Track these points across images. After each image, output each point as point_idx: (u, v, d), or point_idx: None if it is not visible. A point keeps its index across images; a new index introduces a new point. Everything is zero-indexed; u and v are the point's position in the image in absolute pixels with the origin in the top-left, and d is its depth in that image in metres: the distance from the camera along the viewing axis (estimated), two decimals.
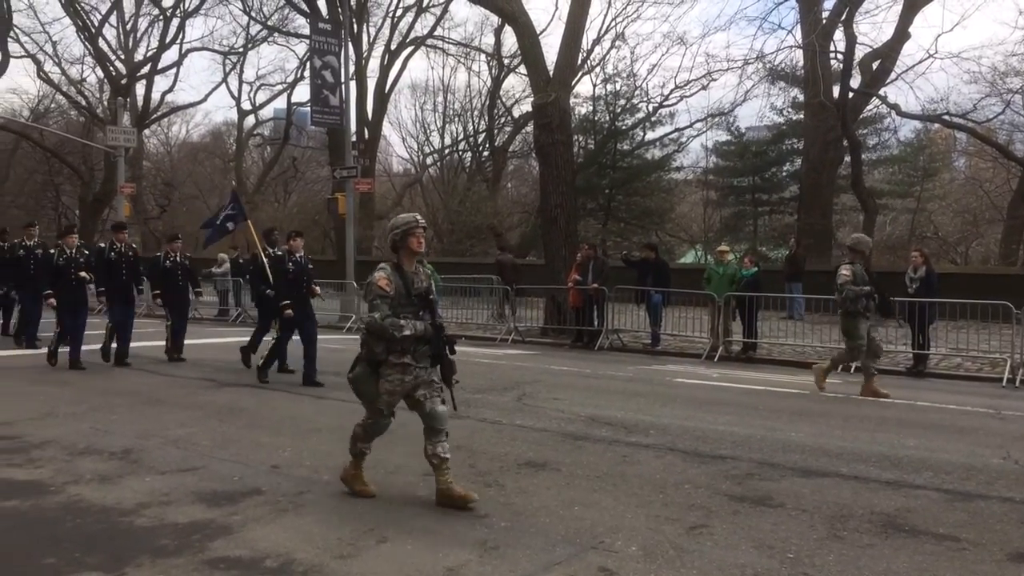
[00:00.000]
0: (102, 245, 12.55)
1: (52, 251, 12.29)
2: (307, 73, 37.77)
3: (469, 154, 43.36)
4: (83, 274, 12.05)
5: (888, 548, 4.77)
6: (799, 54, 26.21)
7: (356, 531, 4.98)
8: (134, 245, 12.92)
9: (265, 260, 11.85)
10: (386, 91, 38.97)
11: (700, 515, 5.34)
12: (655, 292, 15.49)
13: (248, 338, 12.39)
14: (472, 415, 8.64)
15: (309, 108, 33.67)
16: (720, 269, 15.16)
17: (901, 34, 21.75)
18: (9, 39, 35.77)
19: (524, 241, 35.36)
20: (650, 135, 34.38)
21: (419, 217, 5.51)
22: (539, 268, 20.61)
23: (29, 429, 7.77)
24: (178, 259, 13.01)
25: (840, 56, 21.87)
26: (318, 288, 11.50)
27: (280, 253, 11.49)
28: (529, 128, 35.29)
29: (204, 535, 4.93)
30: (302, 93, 42.84)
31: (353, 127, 25.46)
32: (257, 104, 46.38)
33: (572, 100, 24.58)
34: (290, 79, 43.59)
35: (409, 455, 6.87)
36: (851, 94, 21.48)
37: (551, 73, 18.67)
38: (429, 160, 45.30)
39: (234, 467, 6.45)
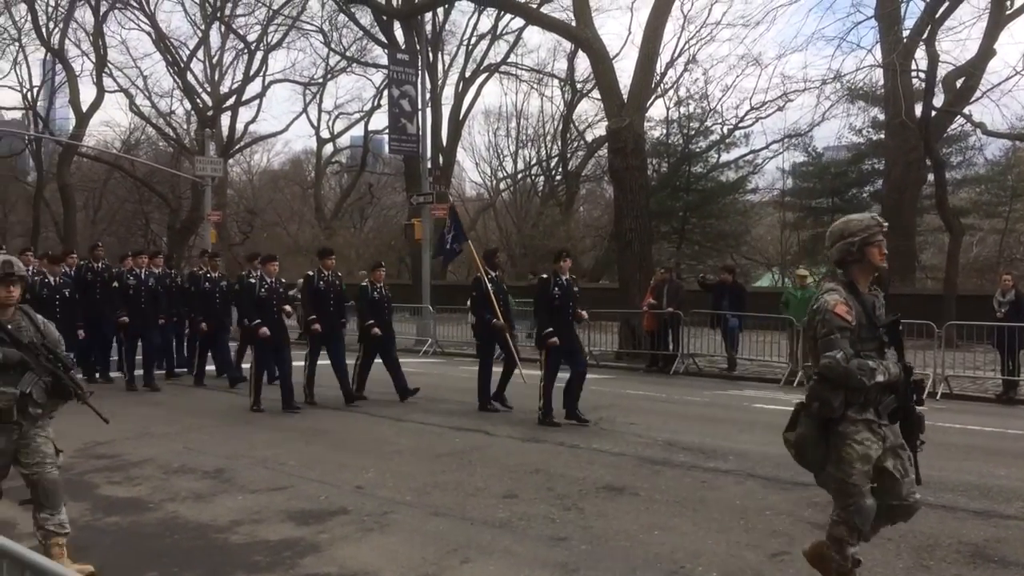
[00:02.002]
0: (310, 273, 11.37)
1: (252, 280, 10.85)
2: (383, 102, 38.74)
3: (542, 178, 43.62)
4: (287, 308, 10.96)
5: None
6: (879, 73, 25.70)
7: (440, 551, 5.10)
8: (340, 273, 11.97)
9: (489, 285, 10.76)
10: (460, 118, 39.55)
11: (782, 542, 5.31)
12: (731, 316, 15.34)
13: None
14: (549, 439, 8.72)
15: (386, 136, 34.42)
16: (799, 293, 14.93)
17: (986, 51, 21.16)
18: (104, 75, 37.53)
19: (597, 264, 35.33)
20: (725, 157, 34.08)
21: (879, 217, 4.20)
22: (613, 292, 20.58)
23: (127, 448, 8.15)
24: (384, 290, 11.73)
25: (922, 75, 21.39)
26: (584, 313, 10.29)
27: (545, 276, 10.09)
28: (602, 152, 35.40)
29: (295, 552, 5.12)
30: (378, 121, 43.79)
31: (428, 154, 25.93)
32: (335, 132, 47.57)
33: (645, 123, 24.61)
34: (367, 108, 44.60)
35: (489, 477, 7.00)
36: (934, 113, 20.97)
37: (625, 98, 18.76)
38: (502, 185, 45.74)
39: (320, 487, 6.65)
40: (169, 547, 5.28)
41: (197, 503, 6.23)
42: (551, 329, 9.58)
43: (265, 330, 10.43)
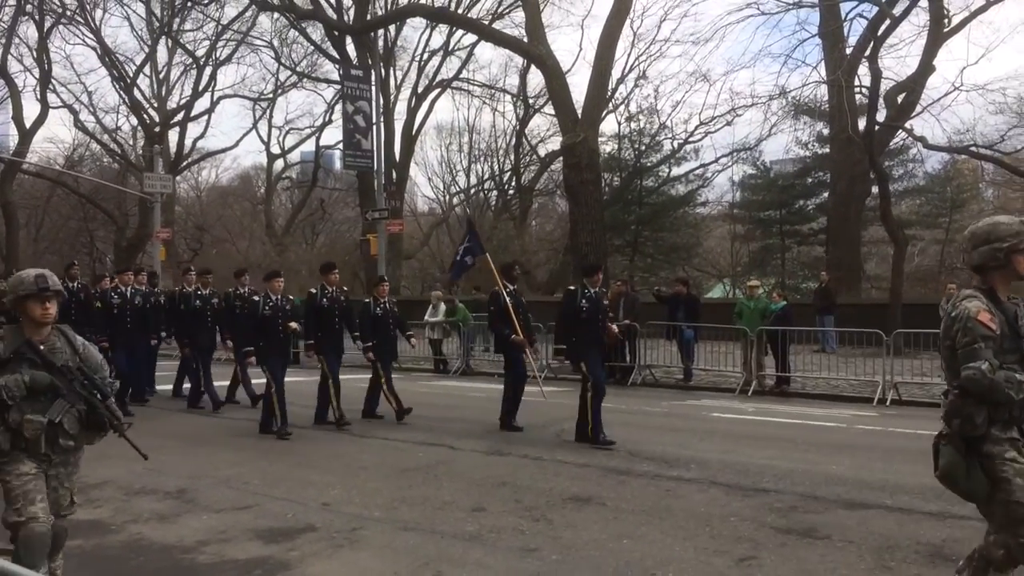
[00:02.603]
0: (313, 290, 11.00)
1: (256, 298, 10.35)
2: (334, 117, 38.63)
3: (495, 193, 43.81)
4: (293, 325, 10.34)
5: None
6: (824, 89, 26.41)
7: (411, 566, 5.11)
8: (346, 288, 11.45)
9: (508, 299, 10.35)
10: (413, 133, 39.61)
11: (748, 547, 5.42)
12: (686, 327, 15.56)
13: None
14: (514, 451, 8.76)
15: (338, 151, 34.25)
16: (750, 303, 15.23)
17: (926, 67, 21.83)
18: (48, 91, 36.77)
19: (552, 278, 35.55)
20: (675, 171, 34.72)
21: None
22: None
23: (85, 470, 7.82)
24: (388, 305, 11.36)
25: (865, 90, 22.01)
26: (615, 327, 10.19)
27: (572, 288, 9.72)
28: (554, 166, 35.73)
29: (265, 570, 5.08)
30: (329, 136, 43.59)
31: (383, 169, 25.89)
32: (286, 148, 47.23)
33: (598, 138, 24.91)
34: (318, 123, 44.36)
35: (456, 491, 7.01)
36: (877, 127, 21.56)
37: (579, 113, 18.98)
38: (455, 200, 45.83)
39: (286, 505, 6.60)
40: (135, 569, 5.20)
41: (161, 524, 6.14)
42: (565, 346, 9.47)
43: (253, 360, 10.11)
